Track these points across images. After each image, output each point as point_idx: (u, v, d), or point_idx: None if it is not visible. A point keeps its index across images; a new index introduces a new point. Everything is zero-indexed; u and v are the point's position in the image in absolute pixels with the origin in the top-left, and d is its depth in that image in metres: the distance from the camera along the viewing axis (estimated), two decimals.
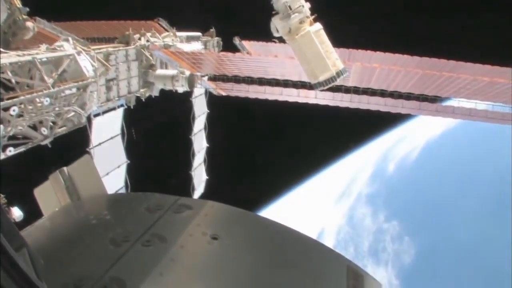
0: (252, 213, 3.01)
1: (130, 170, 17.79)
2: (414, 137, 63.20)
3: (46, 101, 12.00)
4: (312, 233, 56.35)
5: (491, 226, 47.79)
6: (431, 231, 52.47)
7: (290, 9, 11.12)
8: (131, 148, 17.70)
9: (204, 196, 21.71)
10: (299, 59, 11.77)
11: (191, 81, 18.49)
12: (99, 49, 15.34)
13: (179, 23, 21.24)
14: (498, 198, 50.12)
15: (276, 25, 11.36)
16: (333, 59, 11.59)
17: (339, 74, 11.63)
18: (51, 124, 12.93)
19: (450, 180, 56.01)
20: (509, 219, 45.66)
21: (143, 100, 18.54)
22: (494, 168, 53.37)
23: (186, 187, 20.64)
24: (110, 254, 2.39)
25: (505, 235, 45.12)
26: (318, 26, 11.36)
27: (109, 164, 16.54)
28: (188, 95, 20.20)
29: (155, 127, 19.95)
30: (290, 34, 11.35)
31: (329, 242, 55.82)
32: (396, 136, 62.22)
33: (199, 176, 21.50)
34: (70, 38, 13.86)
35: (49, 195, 3.49)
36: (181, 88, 18.44)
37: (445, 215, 52.36)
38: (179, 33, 20.73)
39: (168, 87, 18.41)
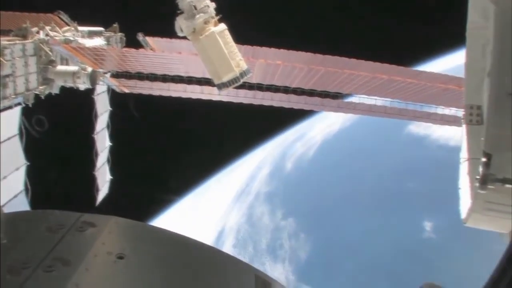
0: (158, 227, 2.91)
1: (30, 172, 16.91)
2: (311, 135, 65.75)
3: None
4: (212, 233, 56.53)
5: (381, 221, 50.96)
6: (325, 227, 54.77)
7: (195, 9, 11.04)
8: (30, 149, 16.87)
9: (108, 197, 21.15)
10: (203, 60, 11.74)
11: (93, 78, 17.88)
12: None
13: (80, 17, 20.45)
14: (390, 192, 53.63)
15: (181, 24, 11.23)
16: (237, 59, 11.65)
17: (242, 74, 11.72)
18: None
19: (344, 177, 58.98)
20: (398, 214, 49.21)
21: (43, 98, 17.61)
22: (386, 163, 56.95)
23: (90, 188, 20.01)
24: (8, 285, 2.17)
25: (394, 229, 48.54)
26: (223, 26, 11.39)
27: (6, 167, 15.57)
28: (90, 92, 19.42)
29: (55, 126, 19.01)
30: (194, 34, 11.27)
31: (229, 241, 57.24)
32: (294, 134, 64.32)
33: (103, 176, 20.84)
34: None
35: None
36: (82, 85, 17.79)
37: (339, 211, 54.90)
38: (80, 28, 19.94)
39: (69, 84, 17.67)
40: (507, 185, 2.69)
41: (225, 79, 11.61)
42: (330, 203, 56.45)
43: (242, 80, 11.97)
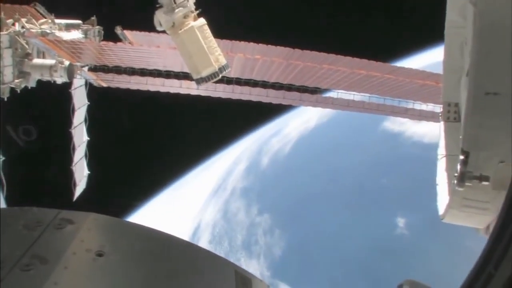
0: (137, 224, 2.90)
1: (6, 167, 16.64)
2: (288, 131, 66.10)
3: None
4: (189, 229, 56.61)
5: (355, 217, 51.57)
6: (300, 223, 55.33)
7: (175, 3, 10.98)
8: (6, 143, 16.59)
9: (86, 192, 20.94)
10: (182, 54, 11.68)
11: (70, 72, 17.63)
12: None
13: (57, 9, 20.09)
14: (364, 188, 54.26)
15: (160, 19, 11.15)
16: (216, 54, 11.62)
17: (221, 69, 11.71)
18: None
19: (320, 173, 59.47)
20: (372, 210, 49.85)
21: (18, 91, 17.34)
22: (361, 159, 57.59)
23: (67, 183, 19.77)
24: None
25: (368, 226, 49.17)
26: (202, 21, 11.33)
27: None
28: (67, 86, 19.14)
29: (31, 120, 18.74)
30: (173, 29, 11.20)
31: (205, 237, 57.24)
32: (271, 129, 64.58)
33: (80, 171, 20.60)
34: None
35: None
36: (60, 79, 17.51)
37: (314, 207, 55.45)
38: (57, 20, 19.59)
39: (46, 77, 17.38)
40: (484, 182, 2.77)
41: (204, 74, 11.59)
42: (305, 199, 56.97)
43: (221, 75, 11.97)
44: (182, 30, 11.09)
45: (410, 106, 20.72)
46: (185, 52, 11.56)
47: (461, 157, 2.76)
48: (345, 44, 27.10)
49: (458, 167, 2.81)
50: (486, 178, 2.76)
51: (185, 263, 2.74)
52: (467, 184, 2.74)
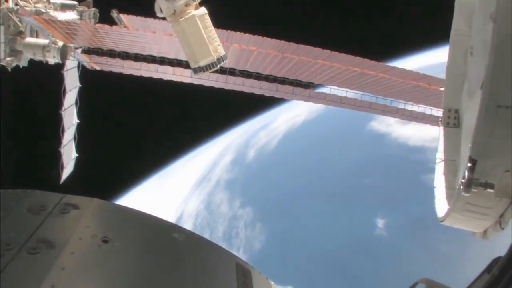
0: (140, 211, 2.90)
1: None
2: (276, 125, 66.36)
3: None
4: (171, 218, 57.04)
5: (337, 215, 52.02)
6: (281, 218, 55.96)
7: None
8: None
9: (73, 175, 20.82)
10: (181, 42, 11.60)
11: (63, 53, 17.43)
12: None
13: None
14: (347, 187, 54.72)
15: (161, 5, 11.06)
16: (215, 44, 11.57)
17: (220, 60, 11.66)
18: None
19: (304, 169, 59.97)
20: (353, 209, 50.28)
21: (9, 70, 17.08)
22: (346, 158, 58.04)
23: (55, 164, 19.63)
24: None
25: (348, 224, 49.63)
26: (203, 10, 11.26)
27: None
28: (59, 67, 18.97)
29: (22, 100, 18.58)
30: (174, 16, 11.11)
31: (187, 227, 57.51)
32: (260, 122, 64.79)
33: (69, 154, 20.43)
34: None
35: None
36: (52, 59, 17.27)
37: (296, 203, 56.18)
38: (53, 0, 19.33)
39: (38, 57, 17.11)
40: (489, 190, 2.91)
41: (202, 63, 11.54)
42: (288, 194, 57.57)
43: (218, 66, 11.99)
44: (183, 18, 11.01)
45: (401, 106, 20.94)
46: (184, 41, 11.49)
47: (469, 164, 2.90)
48: (341, 40, 27.20)
49: (466, 173, 2.95)
50: (491, 186, 2.90)
51: (188, 253, 2.76)
52: (473, 190, 2.88)
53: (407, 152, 52.94)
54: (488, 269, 3.04)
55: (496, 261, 3.01)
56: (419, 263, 42.20)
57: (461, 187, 2.97)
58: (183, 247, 2.80)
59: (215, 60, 11.62)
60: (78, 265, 2.29)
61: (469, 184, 2.96)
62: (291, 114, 64.97)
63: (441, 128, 4.90)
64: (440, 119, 4.94)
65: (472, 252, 36.28)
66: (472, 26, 4.51)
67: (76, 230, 2.47)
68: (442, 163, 4.87)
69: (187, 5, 11.06)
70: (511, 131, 2.69)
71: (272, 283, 3.36)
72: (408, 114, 21.02)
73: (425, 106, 20.45)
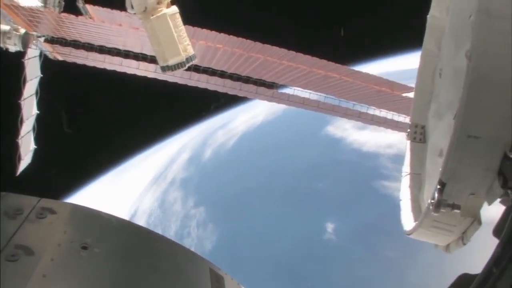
0: (116, 217, 2.90)
1: None
2: (234, 125, 66.57)
3: None
4: (125, 215, 56.66)
5: (288, 218, 52.70)
6: (233, 219, 56.76)
7: None
8: None
9: (31, 167, 20.35)
10: (151, 40, 11.53)
11: (25, 41, 17.12)
12: None
13: None
14: (300, 190, 55.46)
15: (132, 1, 10.98)
16: (184, 44, 11.53)
17: (188, 60, 11.62)
18: None
19: (259, 170, 60.55)
20: (304, 212, 51.02)
21: None
22: (301, 161, 58.75)
23: (12, 156, 19.15)
24: None
25: (299, 227, 50.35)
26: (175, 9, 11.21)
27: None
28: (20, 55, 18.51)
29: None
30: (145, 14, 11.01)
31: (140, 224, 57.73)
32: (220, 120, 64.80)
33: (27, 145, 19.96)
34: None
35: None
36: (13, 47, 16.97)
37: (249, 204, 56.87)
38: None
39: None
40: (455, 210, 3.15)
41: (171, 62, 11.49)
42: (241, 195, 57.88)
43: (187, 65, 12.01)
44: (154, 16, 10.95)
45: (364, 110, 21.38)
46: (154, 39, 11.41)
47: (439, 186, 3.13)
48: (306, 43, 27.53)
49: (436, 195, 3.18)
50: (458, 207, 3.12)
51: (164, 259, 2.80)
52: (441, 210, 3.10)
53: (361, 157, 54.14)
54: (454, 285, 3.28)
55: (461, 277, 3.25)
56: (366, 267, 43.43)
57: (431, 207, 3.21)
58: (160, 253, 2.84)
59: (184, 59, 11.60)
60: (59, 272, 2.27)
61: (438, 205, 3.18)
62: (250, 114, 65.43)
63: (408, 142, 5.15)
64: (407, 131, 5.19)
65: (419, 258, 37.61)
66: (441, 49, 4.75)
67: (54, 236, 2.43)
68: (408, 176, 5.13)
69: (159, 2, 11.04)
70: (478, 159, 2.94)
71: None
72: (369, 118, 21.48)
73: (387, 111, 20.98)
